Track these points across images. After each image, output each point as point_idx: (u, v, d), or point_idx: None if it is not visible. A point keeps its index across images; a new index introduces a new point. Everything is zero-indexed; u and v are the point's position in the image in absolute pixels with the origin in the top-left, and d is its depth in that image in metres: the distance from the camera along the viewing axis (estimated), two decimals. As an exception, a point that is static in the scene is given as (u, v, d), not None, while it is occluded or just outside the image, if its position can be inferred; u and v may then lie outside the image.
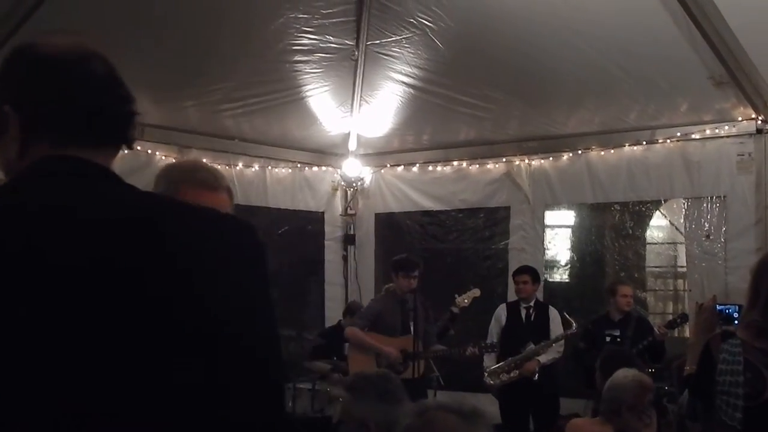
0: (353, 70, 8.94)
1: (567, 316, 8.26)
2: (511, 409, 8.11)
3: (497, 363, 8.16)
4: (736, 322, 4.60)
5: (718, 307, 4.93)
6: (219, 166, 9.13)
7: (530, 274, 8.54)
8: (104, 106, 1.59)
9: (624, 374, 4.69)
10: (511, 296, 8.98)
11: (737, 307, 4.90)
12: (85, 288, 1.36)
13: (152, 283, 1.40)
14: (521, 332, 8.34)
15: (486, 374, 8.20)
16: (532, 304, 8.47)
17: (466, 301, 8.25)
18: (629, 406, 4.53)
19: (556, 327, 8.35)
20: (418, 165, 10.04)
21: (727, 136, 8.08)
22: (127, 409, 1.36)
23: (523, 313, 8.47)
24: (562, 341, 8.18)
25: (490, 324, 8.65)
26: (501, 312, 8.59)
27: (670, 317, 8.70)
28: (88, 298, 1.35)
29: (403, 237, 10.48)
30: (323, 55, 8.59)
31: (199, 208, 1.58)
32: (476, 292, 8.33)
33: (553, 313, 8.46)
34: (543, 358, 8.15)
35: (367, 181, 10.40)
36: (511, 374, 8.10)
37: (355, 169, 10.21)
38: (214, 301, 1.44)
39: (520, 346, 8.16)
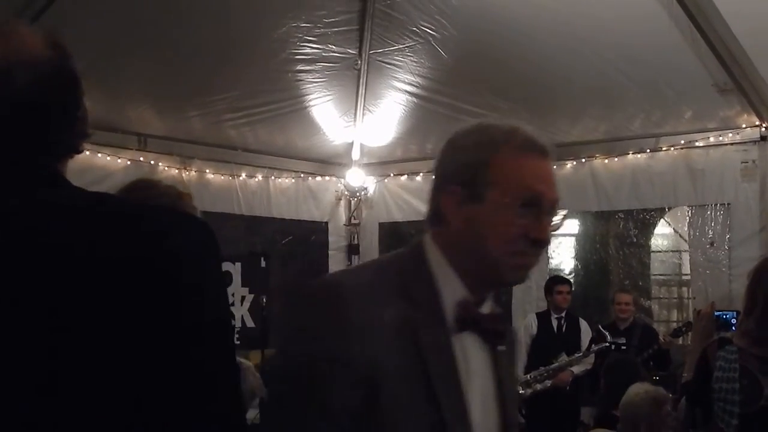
0: (356, 79, 8.93)
1: (602, 329, 8.21)
2: (536, 417, 8.07)
3: (525, 373, 8.10)
4: (733, 328, 4.60)
5: (717, 314, 4.92)
6: (222, 177, 9.18)
7: (568, 284, 8.58)
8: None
9: (636, 391, 4.68)
10: (516, 305, 8.97)
11: (735, 314, 4.89)
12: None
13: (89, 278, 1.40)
14: (553, 343, 8.33)
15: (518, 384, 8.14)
16: (563, 314, 8.48)
17: None
18: (648, 425, 4.53)
19: (586, 338, 8.36)
20: (422, 174, 10.01)
21: (731, 144, 8.06)
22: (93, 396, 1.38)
23: (555, 323, 8.48)
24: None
25: (520, 333, 8.63)
26: (531, 321, 8.58)
27: (675, 325, 8.70)
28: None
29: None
30: (326, 64, 8.58)
31: (142, 205, 1.60)
32: None
33: (583, 324, 8.48)
34: (576, 369, 8.14)
35: (371, 190, 10.38)
36: (544, 384, 8.05)
37: (358, 178, 10.20)
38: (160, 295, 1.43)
39: (552, 356, 8.12)
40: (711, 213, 8.15)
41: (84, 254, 1.41)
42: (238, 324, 8.07)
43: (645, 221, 12.22)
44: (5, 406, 1.37)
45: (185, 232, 1.52)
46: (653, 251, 13.32)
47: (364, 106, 9.27)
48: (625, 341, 8.03)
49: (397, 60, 8.62)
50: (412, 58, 8.52)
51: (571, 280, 10.28)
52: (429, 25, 8.02)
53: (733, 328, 4.56)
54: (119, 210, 1.53)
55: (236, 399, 1.53)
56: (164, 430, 1.42)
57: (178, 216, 1.59)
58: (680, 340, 8.14)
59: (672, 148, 8.42)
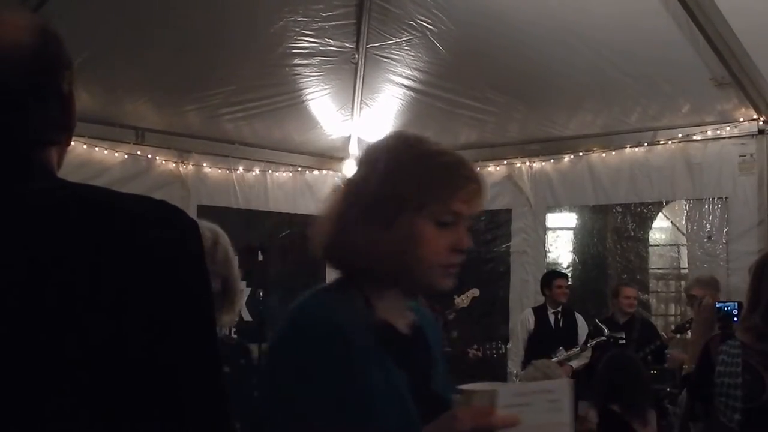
0: (353, 73, 8.92)
1: (599, 323, 8.21)
2: None
3: (522, 368, 8.08)
4: (735, 319, 4.60)
5: (718, 305, 4.91)
6: (219, 171, 9.16)
7: (566, 278, 8.60)
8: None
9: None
10: (514, 299, 8.97)
11: (737, 305, 4.88)
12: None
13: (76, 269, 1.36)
14: (551, 337, 8.32)
15: (516, 380, 8.13)
16: (560, 309, 8.48)
17: (465, 301, 8.24)
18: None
19: (583, 332, 8.35)
20: (419, 168, 10.01)
21: (729, 138, 8.06)
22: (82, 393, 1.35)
23: (552, 318, 8.48)
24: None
25: (516, 328, 8.63)
26: (528, 316, 8.58)
27: (673, 319, 8.70)
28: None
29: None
30: (323, 58, 8.58)
31: (125, 195, 1.51)
32: (475, 292, 8.32)
33: (580, 318, 8.49)
34: (574, 364, 8.13)
35: (368, 184, 10.35)
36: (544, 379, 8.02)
37: (356, 172, 10.17)
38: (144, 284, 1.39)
39: (550, 351, 8.10)
40: (709, 207, 8.15)
41: (48, 248, 1.36)
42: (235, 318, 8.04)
43: (643, 215, 12.20)
44: None
45: (161, 221, 1.46)
46: (651, 245, 13.32)
47: (361, 100, 9.26)
48: (624, 336, 8.02)
49: (395, 54, 8.61)
50: (409, 52, 8.52)
51: (569, 274, 10.30)
52: (426, 20, 8.02)
53: (735, 319, 4.55)
54: (92, 200, 1.45)
55: (217, 408, 1.47)
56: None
57: (156, 204, 1.49)
58: (678, 336, 8.13)
59: (670, 142, 8.42)
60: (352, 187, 2.09)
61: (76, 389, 1.34)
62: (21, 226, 1.38)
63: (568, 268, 12.79)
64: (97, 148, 8.11)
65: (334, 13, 8.11)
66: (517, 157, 9.39)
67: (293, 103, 8.99)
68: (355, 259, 1.99)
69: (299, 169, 10.07)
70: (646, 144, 8.57)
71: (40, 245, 1.37)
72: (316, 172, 10.24)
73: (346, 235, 1.98)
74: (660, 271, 13.61)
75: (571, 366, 8.09)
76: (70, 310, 1.34)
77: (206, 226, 3.17)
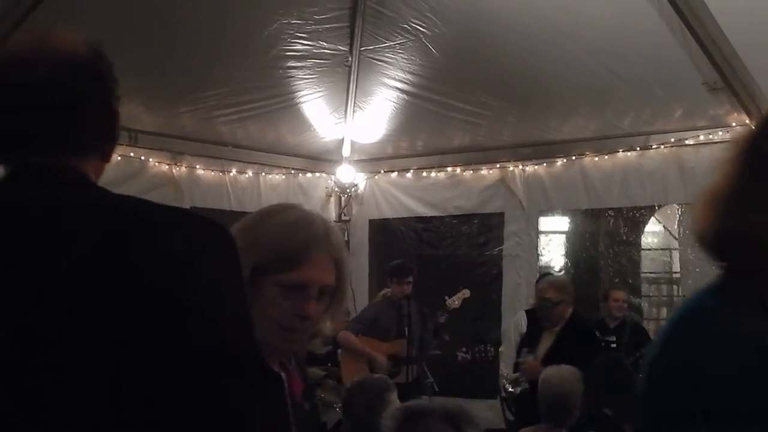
0: (347, 76, 8.92)
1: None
2: (525, 415, 8.03)
3: (514, 371, 8.08)
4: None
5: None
6: (213, 173, 9.16)
7: None
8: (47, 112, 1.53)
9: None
10: (506, 303, 8.97)
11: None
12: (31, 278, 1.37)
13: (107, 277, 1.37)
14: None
15: (506, 383, 8.11)
16: None
17: (456, 302, 8.24)
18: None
19: None
20: (412, 171, 10.03)
21: (722, 142, 8.07)
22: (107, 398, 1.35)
23: None
24: None
25: (509, 331, 8.62)
26: (521, 319, 8.56)
27: (664, 323, 8.70)
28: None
29: (398, 243, 10.48)
30: (317, 61, 8.58)
31: (167, 207, 1.53)
32: (466, 293, 8.32)
33: None
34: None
35: (361, 187, 10.38)
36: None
37: (349, 175, 10.19)
38: (180, 292, 1.39)
39: None
40: (701, 211, 8.15)
41: (81, 256, 1.38)
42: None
43: (635, 219, 12.23)
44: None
45: (198, 237, 1.48)
46: (643, 249, 13.34)
47: (354, 102, 9.27)
48: (615, 339, 8.03)
49: (388, 57, 8.62)
50: (402, 55, 8.52)
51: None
52: (420, 23, 8.02)
53: None
54: (129, 213, 1.47)
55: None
56: None
57: (196, 221, 1.52)
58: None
59: (662, 146, 8.44)
60: (755, 155, 1.61)
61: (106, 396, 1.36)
62: (57, 232, 1.41)
63: (560, 271, 12.81)
64: (89, 150, 8.09)
65: (328, 15, 8.11)
66: (510, 161, 9.39)
67: (287, 106, 8.99)
68: (754, 251, 1.55)
69: (292, 171, 10.07)
70: (638, 148, 8.58)
71: (74, 250, 1.39)
72: (309, 174, 10.25)
73: (744, 219, 1.56)
74: (652, 275, 13.63)
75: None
76: (86, 325, 1.36)
77: None
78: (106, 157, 1.63)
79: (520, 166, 9.36)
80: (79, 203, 1.46)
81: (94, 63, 1.58)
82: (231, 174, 9.42)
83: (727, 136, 8.02)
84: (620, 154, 8.71)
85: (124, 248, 1.39)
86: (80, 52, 1.56)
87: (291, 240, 2.00)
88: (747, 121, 7.84)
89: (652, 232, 13.52)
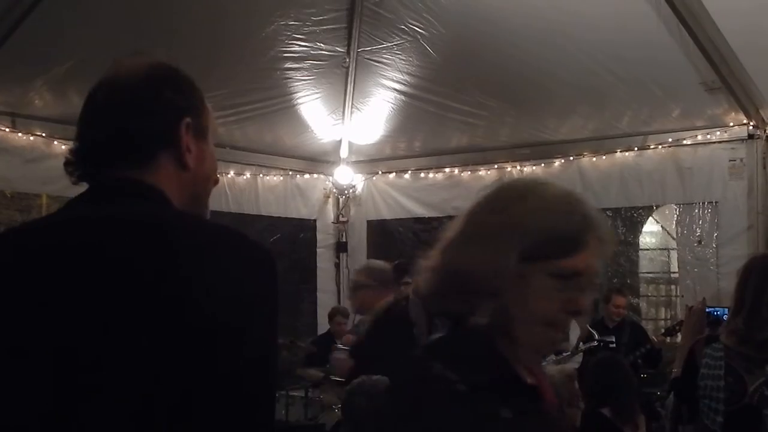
0: (345, 77, 8.93)
1: (589, 327, 8.20)
2: None
3: None
4: (726, 323, 4.62)
5: (708, 310, 4.93)
6: (210, 174, 9.14)
7: None
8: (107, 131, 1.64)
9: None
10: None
11: (727, 310, 4.90)
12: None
13: (157, 286, 1.41)
14: None
15: None
16: None
17: None
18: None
19: (573, 336, 8.34)
20: (410, 172, 10.03)
21: (719, 142, 8.08)
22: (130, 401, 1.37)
23: None
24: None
25: None
26: None
27: (663, 323, 8.71)
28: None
29: (396, 244, 10.46)
30: (314, 62, 8.58)
31: (207, 222, 1.60)
32: None
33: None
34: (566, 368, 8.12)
35: (359, 188, 10.39)
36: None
37: (347, 176, 10.20)
38: (213, 306, 1.41)
39: None
40: (699, 211, 8.17)
41: (133, 270, 1.41)
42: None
43: (633, 219, 12.22)
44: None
45: (242, 258, 1.52)
46: (641, 249, 13.33)
47: (352, 104, 9.27)
48: (614, 339, 8.03)
49: (386, 58, 8.62)
50: (400, 56, 8.52)
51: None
52: (417, 24, 8.02)
53: None
54: (181, 230, 1.52)
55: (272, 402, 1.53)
56: None
57: (241, 240, 1.56)
58: (668, 339, 8.14)
59: (660, 147, 8.44)
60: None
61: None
62: (108, 246, 1.45)
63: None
64: (87, 152, 8.08)
65: (325, 17, 8.11)
66: (507, 161, 9.39)
67: (284, 107, 8.99)
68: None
69: (290, 172, 10.07)
70: (636, 148, 8.58)
71: (125, 263, 1.43)
72: (306, 175, 10.25)
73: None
74: (650, 275, 13.63)
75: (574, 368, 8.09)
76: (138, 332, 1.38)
77: None
78: (184, 165, 1.66)
79: (518, 167, 9.35)
80: (124, 221, 1.49)
81: (147, 89, 1.76)
82: (229, 176, 9.40)
83: (725, 136, 8.04)
84: (618, 154, 8.71)
85: (167, 272, 1.42)
86: (130, 81, 1.76)
87: (566, 220, 1.73)
88: (744, 121, 7.86)
89: (650, 232, 13.52)
